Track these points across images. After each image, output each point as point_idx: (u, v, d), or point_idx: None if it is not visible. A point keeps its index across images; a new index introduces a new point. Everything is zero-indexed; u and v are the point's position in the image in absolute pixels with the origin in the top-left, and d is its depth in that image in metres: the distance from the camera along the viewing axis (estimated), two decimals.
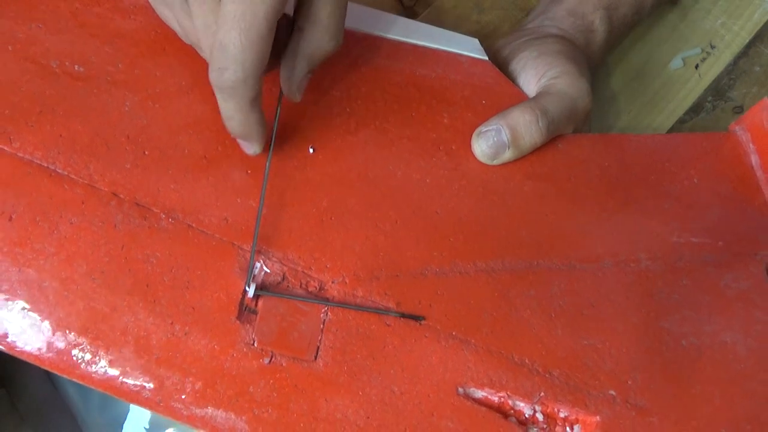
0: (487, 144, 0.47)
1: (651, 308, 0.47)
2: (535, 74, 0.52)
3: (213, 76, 0.40)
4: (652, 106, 0.62)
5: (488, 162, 0.48)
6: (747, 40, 0.61)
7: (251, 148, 0.44)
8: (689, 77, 0.60)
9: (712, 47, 0.60)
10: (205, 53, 0.43)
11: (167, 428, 0.48)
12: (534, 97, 0.50)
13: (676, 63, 0.59)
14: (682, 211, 0.50)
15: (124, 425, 0.48)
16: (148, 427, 0.49)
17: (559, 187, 0.49)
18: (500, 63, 0.55)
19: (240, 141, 0.44)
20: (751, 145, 0.53)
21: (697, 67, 0.60)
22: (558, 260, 0.47)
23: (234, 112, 0.41)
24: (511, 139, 0.47)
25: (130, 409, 0.49)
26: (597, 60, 0.58)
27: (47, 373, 0.48)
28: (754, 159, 0.53)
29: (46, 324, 0.41)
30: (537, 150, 0.50)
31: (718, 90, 0.59)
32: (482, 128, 0.48)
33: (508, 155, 0.48)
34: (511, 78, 0.54)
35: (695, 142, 0.53)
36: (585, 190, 0.50)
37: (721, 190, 0.52)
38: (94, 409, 0.49)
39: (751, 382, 0.46)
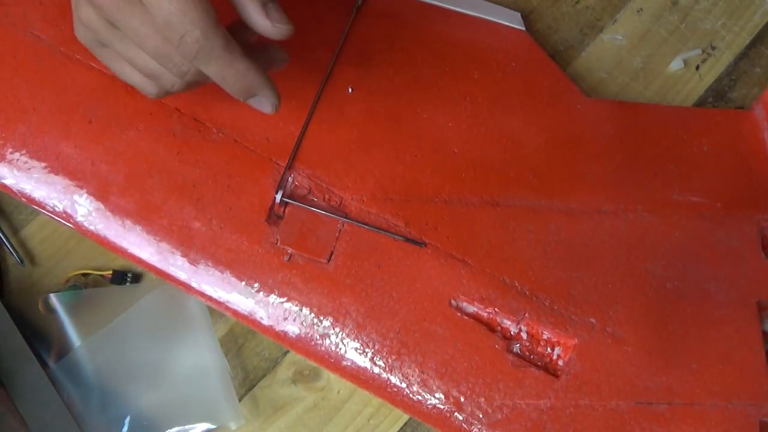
0: None
1: (640, 252, 0.50)
2: None
3: (182, 52, 0.38)
4: None
5: None
6: (747, 41, 0.60)
7: (267, 103, 0.42)
8: (690, 78, 0.59)
9: (713, 48, 0.60)
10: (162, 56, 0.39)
11: (167, 429, 0.50)
12: None
13: (677, 64, 0.59)
14: (687, 173, 0.53)
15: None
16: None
17: (571, 140, 0.53)
18: None
19: (252, 102, 0.42)
20: (765, 122, 0.55)
21: (697, 68, 0.59)
22: (559, 202, 0.51)
23: (224, 70, 0.39)
24: None
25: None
26: None
27: (47, 374, 0.50)
28: (767, 135, 0.55)
29: (108, 210, 0.49)
30: (556, 110, 0.54)
31: (718, 91, 0.59)
32: None
33: None
34: None
35: (713, 116, 0.56)
36: (596, 145, 0.53)
37: (730, 159, 0.53)
38: (94, 409, 0.50)
39: (728, 327, 0.48)
